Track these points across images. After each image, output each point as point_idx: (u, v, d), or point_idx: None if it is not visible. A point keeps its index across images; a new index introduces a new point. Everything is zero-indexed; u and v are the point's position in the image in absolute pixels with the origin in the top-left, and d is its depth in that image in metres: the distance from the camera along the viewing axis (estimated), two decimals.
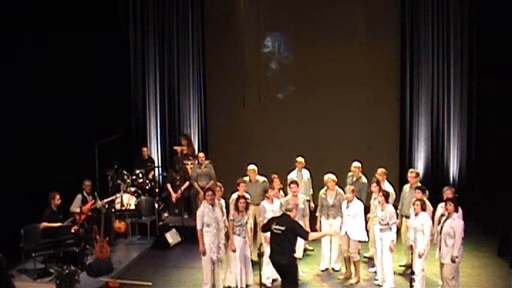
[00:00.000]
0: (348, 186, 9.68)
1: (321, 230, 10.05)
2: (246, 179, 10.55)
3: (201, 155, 12.39)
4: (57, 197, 10.15)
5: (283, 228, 8.35)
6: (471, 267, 10.20)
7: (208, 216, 9.12)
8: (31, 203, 10.21)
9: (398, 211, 10.12)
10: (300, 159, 11.15)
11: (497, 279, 9.77)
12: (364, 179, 10.68)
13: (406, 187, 10.15)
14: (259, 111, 14.20)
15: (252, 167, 10.83)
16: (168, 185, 12.47)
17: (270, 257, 8.54)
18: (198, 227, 9.20)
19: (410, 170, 10.64)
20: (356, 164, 10.76)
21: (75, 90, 11.91)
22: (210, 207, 9.17)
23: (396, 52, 13.76)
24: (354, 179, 10.67)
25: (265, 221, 8.89)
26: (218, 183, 10.21)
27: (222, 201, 9.72)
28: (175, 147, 13.41)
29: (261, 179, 10.83)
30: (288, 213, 8.60)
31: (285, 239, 8.34)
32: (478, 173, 12.89)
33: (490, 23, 12.19)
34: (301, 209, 9.68)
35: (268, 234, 9.36)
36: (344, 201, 9.70)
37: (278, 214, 9.51)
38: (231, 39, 14.19)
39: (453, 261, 8.60)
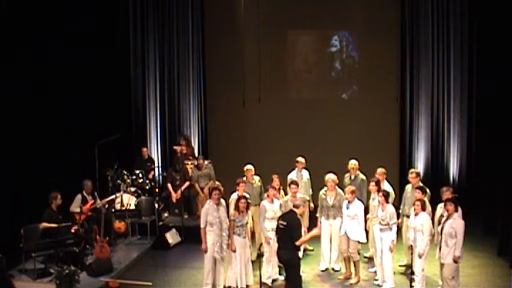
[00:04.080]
0: (348, 187, 9.68)
1: (320, 231, 10.08)
2: (246, 179, 10.55)
3: (201, 161, 12.36)
4: (59, 197, 10.16)
5: (285, 223, 8.45)
6: (471, 267, 10.21)
7: (212, 215, 9.15)
8: (31, 203, 10.22)
9: (400, 211, 10.13)
10: (301, 159, 11.15)
11: (497, 279, 9.77)
12: (362, 176, 10.69)
13: (408, 187, 10.16)
14: (259, 112, 14.19)
15: (248, 167, 10.84)
16: (169, 185, 12.47)
17: (277, 252, 8.68)
18: (202, 225, 9.23)
19: (411, 170, 10.64)
20: (352, 162, 10.76)
21: (75, 90, 11.92)
22: (215, 206, 9.19)
23: (396, 52, 13.76)
24: (352, 177, 10.67)
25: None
26: (217, 183, 10.22)
27: (222, 201, 9.70)
28: (174, 147, 13.41)
29: (257, 179, 10.86)
30: (295, 209, 8.66)
31: (286, 235, 8.42)
32: (478, 173, 12.90)
33: (490, 23, 12.19)
34: None
35: (268, 234, 9.45)
36: (344, 202, 9.70)
37: (278, 214, 9.57)
38: (231, 39, 14.19)
39: (455, 261, 8.60)
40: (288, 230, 8.39)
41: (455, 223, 8.58)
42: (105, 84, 12.72)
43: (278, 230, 8.59)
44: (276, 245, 9.55)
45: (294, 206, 8.77)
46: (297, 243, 8.46)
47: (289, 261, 8.45)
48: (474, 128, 13.18)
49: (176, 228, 11.88)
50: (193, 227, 10.92)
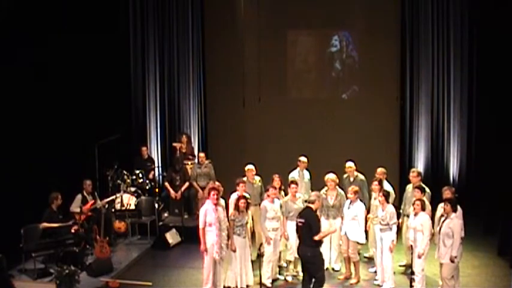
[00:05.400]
0: (352, 187, 9.68)
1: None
2: (246, 179, 10.54)
3: (202, 155, 12.42)
4: (59, 197, 10.16)
5: (303, 220, 8.53)
6: (471, 267, 10.21)
7: (211, 215, 9.14)
8: (31, 203, 10.22)
9: (400, 210, 10.14)
10: (303, 159, 11.17)
11: (497, 279, 9.77)
12: (361, 177, 10.69)
13: (409, 187, 10.16)
14: (259, 112, 14.19)
15: (249, 166, 10.83)
16: (167, 184, 12.47)
17: (298, 248, 8.73)
18: (201, 226, 9.23)
19: (412, 169, 10.68)
20: (349, 164, 10.76)
21: (75, 90, 11.92)
22: (214, 206, 9.18)
23: (396, 52, 13.77)
24: (351, 179, 10.67)
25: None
26: (217, 183, 10.22)
27: (222, 201, 9.70)
28: (174, 144, 13.40)
29: (257, 179, 10.86)
30: (310, 205, 8.69)
31: (306, 232, 8.49)
32: (478, 173, 12.90)
33: (490, 23, 12.20)
34: (300, 208, 9.66)
35: (268, 234, 9.45)
36: (346, 202, 9.70)
37: (279, 214, 9.57)
38: (231, 39, 14.19)
39: (452, 261, 8.60)
40: (307, 227, 8.46)
41: (453, 223, 8.59)
42: (105, 84, 12.72)
43: (297, 228, 8.72)
44: (277, 244, 9.65)
45: (309, 202, 8.79)
46: (316, 238, 8.50)
47: (312, 258, 8.50)
48: (474, 128, 13.19)
49: (176, 228, 11.88)
50: (193, 227, 10.90)
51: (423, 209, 8.95)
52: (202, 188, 12.05)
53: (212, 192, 9.26)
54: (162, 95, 14.26)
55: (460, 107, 13.34)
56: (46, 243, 9.83)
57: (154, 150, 14.21)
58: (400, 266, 10.19)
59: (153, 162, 13.50)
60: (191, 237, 11.08)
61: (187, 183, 12.37)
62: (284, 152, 13.22)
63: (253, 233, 10.40)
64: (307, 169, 11.23)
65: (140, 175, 12.61)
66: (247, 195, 9.91)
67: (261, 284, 9.15)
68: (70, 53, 11.70)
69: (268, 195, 9.66)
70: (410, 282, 8.88)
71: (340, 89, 14.46)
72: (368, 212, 9.94)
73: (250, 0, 13.88)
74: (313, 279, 8.58)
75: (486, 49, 12.51)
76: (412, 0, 13.41)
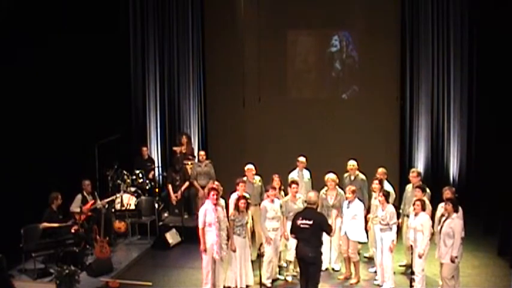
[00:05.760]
0: (349, 187, 9.68)
1: None
2: (246, 179, 10.54)
3: (202, 153, 12.44)
4: (60, 197, 10.17)
5: (310, 222, 8.41)
6: (471, 267, 10.21)
7: (210, 215, 9.13)
8: (31, 203, 10.22)
9: (400, 210, 10.14)
10: (302, 159, 11.18)
11: (497, 279, 9.78)
12: (362, 176, 10.69)
13: (409, 187, 10.17)
14: (259, 112, 14.19)
15: (249, 166, 10.83)
16: (169, 186, 12.47)
17: (297, 248, 8.60)
18: (200, 226, 9.22)
19: (412, 169, 10.68)
20: (351, 162, 10.76)
21: (75, 90, 11.93)
22: (213, 206, 9.18)
23: (396, 52, 13.77)
24: (352, 177, 10.67)
25: (292, 222, 8.85)
26: (216, 183, 10.22)
27: (222, 201, 9.70)
28: (174, 148, 13.41)
29: (257, 179, 10.86)
30: (312, 206, 8.65)
31: (312, 233, 8.41)
32: (478, 173, 12.90)
33: (490, 23, 12.20)
34: (300, 208, 9.67)
35: (269, 234, 9.44)
36: (345, 202, 9.70)
37: (279, 214, 9.56)
38: (231, 39, 14.19)
39: (452, 261, 8.60)
40: (316, 227, 8.40)
41: (453, 223, 8.59)
42: (105, 84, 12.72)
43: (298, 230, 8.52)
44: (277, 244, 9.64)
45: (310, 203, 8.69)
46: (332, 234, 8.74)
47: (314, 259, 8.45)
48: (474, 128, 13.19)
49: (176, 228, 11.88)
50: (193, 227, 10.88)
51: (423, 209, 8.95)
52: (203, 187, 12.05)
53: (212, 193, 9.26)
54: (162, 95, 14.26)
55: (460, 107, 13.34)
56: (46, 243, 9.83)
57: (154, 151, 14.21)
58: (400, 266, 10.19)
59: (153, 162, 13.51)
60: (191, 237, 11.08)
61: (187, 183, 12.37)
62: (284, 152, 13.22)
63: (253, 233, 10.40)
64: (307, 169, 11.23)
65: (140, 175, 12.61)
66: (247, 195, 9.91)
67: (261, 284, 9.15)
68: (70, 53, 11.70)
69: (268, 196, 9.66)
70: (410, 282, 8.88)
71: (340, 89, 14.46)
72: (368, 212, 9.96)
73: (250, 0, 13.88)
74: (309, 280, 8.55)
75: (486, 49, 12.51)
76: (412, 0, 13.41)
